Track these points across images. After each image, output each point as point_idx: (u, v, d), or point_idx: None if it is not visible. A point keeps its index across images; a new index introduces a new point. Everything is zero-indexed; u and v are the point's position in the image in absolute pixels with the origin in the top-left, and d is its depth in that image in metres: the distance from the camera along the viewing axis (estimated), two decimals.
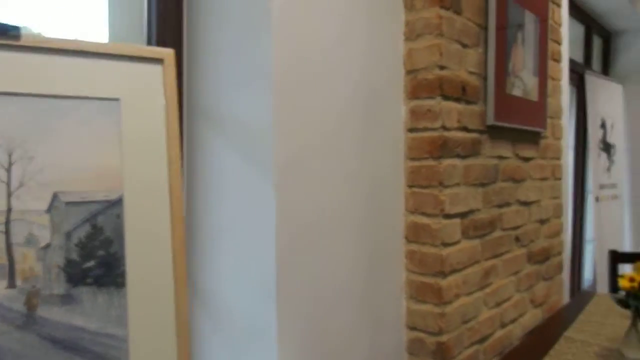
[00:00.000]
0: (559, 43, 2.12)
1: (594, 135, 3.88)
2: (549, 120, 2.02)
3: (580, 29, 3.98)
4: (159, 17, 1.18)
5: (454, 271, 1.43)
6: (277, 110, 1.09)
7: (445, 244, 1.40)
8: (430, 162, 1.39)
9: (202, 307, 1.24)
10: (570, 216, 3.90)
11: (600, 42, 4.35)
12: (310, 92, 1.16)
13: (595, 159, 3.90)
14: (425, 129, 1.40)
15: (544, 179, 1.99)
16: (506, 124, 1.66)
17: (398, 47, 1.43)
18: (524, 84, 1.76)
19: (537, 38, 1.84)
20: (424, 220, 1.41)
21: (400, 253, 1.45)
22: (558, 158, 2.13)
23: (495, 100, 1.58)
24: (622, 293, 1.59)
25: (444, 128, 1.39)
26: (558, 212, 2.12)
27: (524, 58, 1.75)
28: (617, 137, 4.30)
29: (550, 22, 2.01)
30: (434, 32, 1.38)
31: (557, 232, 2.12)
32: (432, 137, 1.39)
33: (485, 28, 1.57)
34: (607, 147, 4.10)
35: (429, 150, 1.39)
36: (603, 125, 4.07)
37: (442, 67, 1.38)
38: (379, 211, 1.38)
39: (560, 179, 2.15)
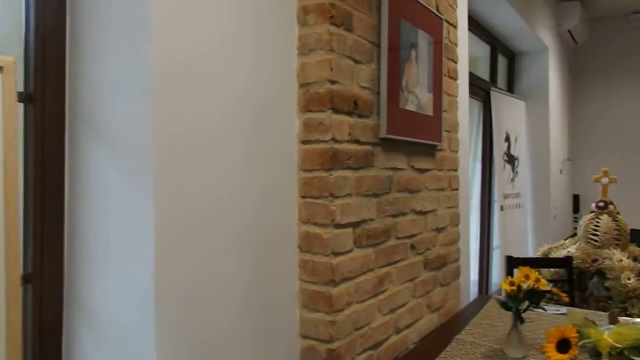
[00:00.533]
0: (455, 61, 2.25)
1: (498, 148, 4.14)
2: (445, 134, 2.14)
3: (486, 49, 4.25)
4: (40, 23, 1.14)
5: (345, 280, 1.47)
6: (156, 118, 1.08)
7: (336, 253, 1.44)
8: (322, 174, 1.43)
9: (85, 322, 1.19)
10: (477, 224, 4.14)
11: (506, 61, 4.67)
12: (192, 101, 1.16)
13: (500, 170, 4.17)
14: (317, 141, 1.44)
15: (440, 189, 2.10)
16: (400, 137, 1.74)
17: (291, 61, 1.46)
18: (418, 99, 1.86)
19: (431, 56, 1.95)
20: (316, 230, 1.44)
21: (294, 262, 1.47)
22: (455, 169, 2.25)
23: (388, 114, 1.65)
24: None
25: (335, 140, 1.43)
26: (455, 221, 2.24)
27: (417, 75, 1.85)
28: (521, 150, 4.62)
29: (445, 41, 2.14)
30: (325, 47, 1.42)
31: (454, 240, 2.24)
32: (323, 149, 1.43)
33: (378, 46, 1.64)
34: (511, 159, 4.39)
35: (321, 162, 1.43)
36: (507, 139, 4.35)
37: (332, 82, 1.43)
38: (271, 221, 1.40)
39: (457, 189, 2.27)
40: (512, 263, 2.78)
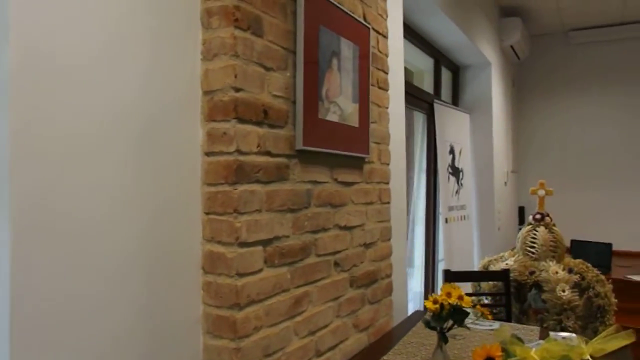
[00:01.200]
0: (385, 72, 2.20)
1: (442, 160, 4.15)
2: (374, 146, 2.08)
3: (430, 62, 4.27)
4: None
5: (253, 302, 1.36)
6: (14, 125, 0.95)
7: (242, 274, 1.33)
8: (226, 188, 1.32)
9: None
10: (422, 237, 4.11)
11: (451, 74, 4.70)
12: (63, 107, 1.03)
13: (444, 182, 4.16)
14: (221, 153, 1.33)
15: (369, 203, 2.03)
16: (319, 149, 1.66)
17: (195, 66, 1.36)
18: (341, 109, 1.78)
19: (356, 66, 1.88)
20: (220, 249, 1.33)
21: (197, 285, 1.35)
22: (386, 182, 2.19)
23: (305, 125, 1.56)
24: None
25: (240, 152, 1.33)
26: (386, 235, 2.18)
27: (340, 84, 1.78)
28: (466, 162, 4.65)
29: (374, 51, 2.08)
30: (229, 52, 1.32)
31: (385, 256, 2.16)
32: (227, 162, 1.32)
33: (294, 52, 1.56)
34: (455, 171, 4.40)
35: (225, 176, 1.33)
36: (452, 151, 4.37)
37: (237, 89, 1.33)
38: (169, 240, 1.28)
39: (388, 202, 2.21)
40: (449, 277, 2.74)
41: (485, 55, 4.44)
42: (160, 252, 1.26)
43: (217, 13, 1.34)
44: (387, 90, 2.21)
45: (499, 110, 4.94)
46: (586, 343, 1.63)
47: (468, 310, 1.63)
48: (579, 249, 4.62)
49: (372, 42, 2.06)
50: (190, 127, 1.35)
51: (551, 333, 1.97)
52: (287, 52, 1.53)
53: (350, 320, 1.87)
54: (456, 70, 4.77)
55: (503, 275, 2.82)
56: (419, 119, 4.17)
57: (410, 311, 2.63)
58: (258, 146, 1.40)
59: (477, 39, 4.21)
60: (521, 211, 5.82)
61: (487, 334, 2.06)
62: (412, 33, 3.67)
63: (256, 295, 1.38)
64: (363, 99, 1.94)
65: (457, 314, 1.62)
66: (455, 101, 4.78)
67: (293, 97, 1.55)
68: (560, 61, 5.66)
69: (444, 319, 1.63)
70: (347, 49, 1.82)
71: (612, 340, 1.90)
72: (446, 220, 4.13)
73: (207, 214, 1.36)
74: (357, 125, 1.90)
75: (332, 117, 1.73)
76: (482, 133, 4.75)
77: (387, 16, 2.23)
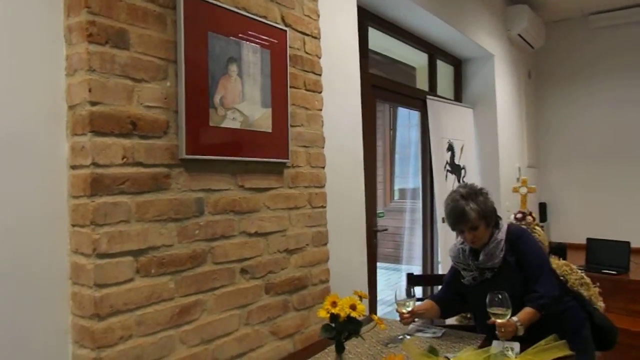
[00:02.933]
0: (316, 73, 2.16)
1: (438, 158, 4.01)
2: (300, 150, 2.04)
3: (423, 57, 4.14)
4: None
5: (118, 312, 1.38)
6: None
7: (103, 285, 1.35)
8: (85, 201, 1.35)
9: None
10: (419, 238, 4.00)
11: (452, 69, 4.54)
12: None
13: (440, 181, 4.02)
14: (81, 166, 1.36)
15: (293, 208, 2.00)
16: (212, 157, 1.65)
17: (59, 81, 1.39)
18: (244, 116, 1.76)
19: (266, 70, 1.86)
20: (82, 260, 1.36)
21: (66, 295, 1.39)
22: (319, 186, 2.14)
23: (189, 134, 1.56)
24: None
25: (97, 165, 1.35)
26: (320, 240, 2.13)
27: (242, 91, 1.76)
28: (470, 159, 4.47)
29: (298, 53, 2.04)
30: (84, 67, 1.35)
31: (319, 261, 2.12)
32: (84, 175, 1.35)
33: (175, 62, 1.56)
34: (456, 169, 4.24)
35: (84, 188, 1.35)
36: (450, 148, 4.21)
37: (94, 103, 1.35)
38: (35, 252, 1.32)
39: (322, 206, 2.16)
40: (412, 281, 2.64)
41: (485, 47, 4.25)
42: (27, 263, 1.30)
43: (75, 29, 1.37)
44: (318, 91, 2.17)
45: (505, 103, 4.71)
46: None
47: (360, 320, 1.57)
48: (595, 247, 4.33)
49: (295, 44, 2.03)
50: (56, 141, 1.38)
51: (494, 342, 1.86)
52: (166, 62, 1.54)
53: (266, 328, 1.85)
54: (458, 64, 4.59)
55: None
56: (414, 116, 4.06)
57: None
58: (124, 158, 1.41)
59: (473, 32, 4.04)
60: (542, 208, 5.52)
61: (426, 340, 1.97)
62: (396, 29, 3.58)
63: (123, 305, 1.39)
64: (278, 103, 1.91)
65: (351, 324, 1.57)
66: (458, 96, 4.61)
67: (176, 107, 1.56)
68: (581, 47, 5.31)
69: (339, 329, 1.58)
70: (251, 53, 1.80)
71: (545, 351, 1.78)
72: (443, 220, 3.99)
73: (73, 226, 1.39)
74: (269, 130, 1.87)
75: (231, 123, 1.72)
76: (486, 128, 4.55)
77: (318, 16, 2.18)
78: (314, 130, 2.14)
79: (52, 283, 1.36)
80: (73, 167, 1.39)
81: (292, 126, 2.00)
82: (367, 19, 3.26)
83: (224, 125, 1.69)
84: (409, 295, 2.05)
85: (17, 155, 1.30)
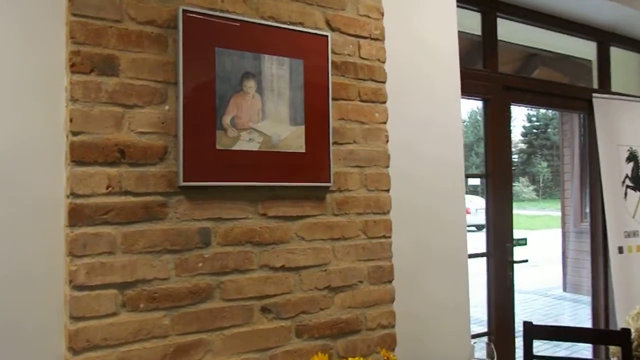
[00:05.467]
0: (377, 80, 1.85)
1: (612, 171, 3.16)
2: (352, 171, 1.76)
3: (591, 47, 3.34)
4: None
5: (96, 347, 1.33)
6: None
7: (78, 318, 1.32)
8: (67, 231, 1.34)
9: None
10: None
11: (637, 57, 3.56)
12: None
13: (616, 199, 3.17)
14: (67, 196, 1.36)
15: (340, 238, 1.72)
16: (220, 183, 1.51)
17: (60, 112, 1.42)
18: (265, 135, 1.59)
19: (298, 82, 1.65)
20: (67, 291, 1.35)
21: (60, 326, 1.40)
22: (380, 213, 1.82)
23: (187, 160, 1.46)
24: None
25: (75, 195, 1.33)
26: (381, 276, 1.80)
27: (261, 108, 1.59)
28: None
29: (350, 60, 1.78)
30: (68, 97, 1.35)
31: (379, 301, 1.79)
32: (67, 205, 1.34)
33: (175, 83, 1.48)
34: (639, 185, 3.29)
35: (67, 218, 1.35)
36: (633, 157, 3.29)
37: (75, 133, 1.34)
38: (35, 284, 1.37)
39: (386, 237, 1.83)
40: (530, 333, 2.05)
41: None
42: (31, 292, 1.35)
43: (69, 60, 1.39)
44: (380, 101, 1.85)
45: None
46: None
47: None
48: None
49: (345, 50, 1.77)
50: (54, 171, 1.40)
51: None
52: (164, 85, 1.47)
53: None
54: None
55: (621, 337, 1.98)
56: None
57: None
58: (108, 187, 1.37)
59: None
60: None
61: None
62: (541, 17, 2.95)
63: (102, 340, 1.34)
64: (314, 118, 1.67)
65: None
66: None
67: (175, 131, 1.47)
68: None
69: None
70: (275, 66, 1.61)
71: None
72: (620, 250, 3.12)
73: (68, 256, 1.39)
74: (302, 150, 1.65)
75: (247, 145, 1.56)
76: None
77: (381, 14, 1.87)
78: (373, 147, 1.83)
79: (52, 316, 1.37)
80: (68, 197, 1.40)
81: (337, 144, 1.74)
82: (495, 7, 2.75)
83: (236, 147, 1.54)
84: (491, 357, 1.59)
85: (19, 186, 1.36)
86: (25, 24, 1.38)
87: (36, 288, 1.37)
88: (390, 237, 1.84)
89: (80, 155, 1.35)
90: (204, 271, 1.49)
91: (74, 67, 1.35)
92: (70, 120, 1.34)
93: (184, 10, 1.47)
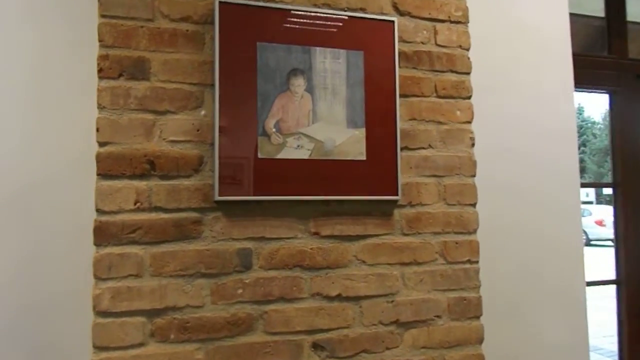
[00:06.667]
0: (458, 72, 1.53)
1: None
2: (427, 181, 1.46)
3: None
4: None
5: None
6: None
7: (103, 348, 1.19)
8: (93, 251, 1.23)
9: None
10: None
11: None
12: None
13: None
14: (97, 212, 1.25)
15: (412, 263, 1.43)
16: (264, 197, 1.31)
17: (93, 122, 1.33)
18: (316, 141, 1.36)
19: (355, 78, 1.40)
20: (92, 318, 1.24)
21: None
22: (464, 232, 1.49)
23: (224, 171, 1.28)
24: None
25: (100, 212, 1.22)
26: (465, 310, 1.46)
27: (312, 109, 1.36)
28: None
29: (424, 48, 1.49)
30: (96, 105, 1.25)
31: (463, 341, 1.45)
32: (93, 223, 1.23)
33: (212, 85, 1.31)
34: None
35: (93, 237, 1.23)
36: None
37: (102, 144, 1.23)
38: (64, 310, 1.29)
39: (471, 262, 1.49)
40: None
41: None
42: (59, 321, 1.28)
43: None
44: (463, 97, 1.53)
45: None
46: None
47: None
48: None
49: (417, 37, 1.49)
50: (85, 185, 1.31)
51: None
52: (200, 88, 1.31)
53: None
54: None
55: None
56: None
57: None
58: (136, 202, 1.24)
59: None
60: None
61: None
62: None
63: None
64: (377, 119, 1.41)
65: None
66: None
67: (212, 139, 1.30)
68: None
69: None
70: (329, 60, 1.38)
71: None
72: None
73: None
74: (362, 157, 1.39)
75: (295, 153, 1.34)
76: None
77: None
78: (454, 152, 1.51)
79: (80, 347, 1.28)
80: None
81: (408, 149, 1.46)
82: None
83: (281, 156, 1.33)
84: None
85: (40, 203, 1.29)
86: (61, 29, 1.31)
87: (66, 315, 1.28)
88: (477, 262, 1.50)
89: (106, 168, 1.23)
90: (244, 299, 1.29)
91: (101, 73, 1.24)
92: (97, 130, 1.23)
93: (220, 2, 1.30)
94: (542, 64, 1.80)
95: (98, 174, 1.22)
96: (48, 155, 1.33)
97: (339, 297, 1.37)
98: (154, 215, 1.25)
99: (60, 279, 1.31)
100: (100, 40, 1.25)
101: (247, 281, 1.30)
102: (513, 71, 1.76)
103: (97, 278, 1.21)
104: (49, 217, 1.32)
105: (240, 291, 1.29)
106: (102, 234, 1.22)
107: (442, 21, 1.53)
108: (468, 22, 1.56)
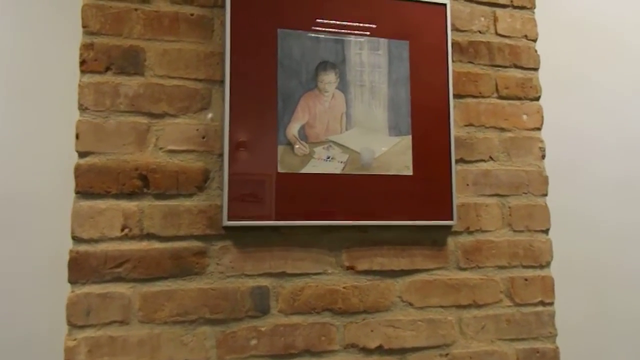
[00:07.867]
0: (523, 67, 1.24)
1: None
2: (488, 202, 1.17)
3: None
4: None
5: None
6: None
7: None
8: (68, 292, 0.97)
9: None
10: None
11: None
12: None
13: None
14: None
15: (471, 305, 1.13)
16: (284, 223, 1.04)
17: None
18: (351, 152, 1.08)
19: (399, 73, 1.13)
20: None
21: None
22: (535, 266, 1.19)
23: (235, 190, 1.01)
24: None
25: (78, 240, 0.96)
26: None
27: (345, 112, 1.09)
28: None
29: (482, 38, 1.21)
30: (77, 105, 1.00)
31: None
32: (68, 254, 0.97)
33: (222, 82, 1.05)
34: None
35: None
36: None
37: (83, 154, 0.98)
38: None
39: (545, 303, 1.18)
40: None
41: None
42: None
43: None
44: (530, 98, 1.24)
45: None
46: None
47: None
48: None
49: (473, 25, 1.22)
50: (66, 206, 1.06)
51: None
52: (206, 85, 1.05)
53: None
54: None
55: None
56: None
57: None
58: (124, 228, 0.98)
59: None
60: None
61: None
62: None
63: None
64: (426, 125, 1.13)
65: None
66: None
67: (221, 149, 1.04)
68: None
69: None
70: (367, 51, 1.11)
71: None
72: None
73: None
74: (408, 172, 1.11)
75: (325, 167, 1.07)
76: None
77: None
78: (520, 166, 1.21)
79: None
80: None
81: (464, 161, 1.17)
82: None
83: (307, 170, 1.06)
84: None
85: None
86: (41, 15, 1.08)
87: None
88: (552, 303, 1.19)
89: (87, 184, 0.97)
90: (259, 352, 1.01)
91: (84, 65, 1.00)
92: (77, 137, 0.98)
93: None
94: (623, 59, 1.50)
95: (76, 192, 0.97)
96: (17, 169, 1.09)
97: (379, 350, 1.08)
98: (145, 245, 0.99)
99: (25, 327, 1.05)
100: (84, 26, 1.01)
101: (263, 329, 1.02)
102: (590, 66, 1.47)
103: (72, 325, 0.94)
104: (12, 246, 1.07)
105: (254, 342, 1.01)
106: (79, 269, 0.95)
107: (504, 6, 1.25)
108: (535, 8, 1.28)
